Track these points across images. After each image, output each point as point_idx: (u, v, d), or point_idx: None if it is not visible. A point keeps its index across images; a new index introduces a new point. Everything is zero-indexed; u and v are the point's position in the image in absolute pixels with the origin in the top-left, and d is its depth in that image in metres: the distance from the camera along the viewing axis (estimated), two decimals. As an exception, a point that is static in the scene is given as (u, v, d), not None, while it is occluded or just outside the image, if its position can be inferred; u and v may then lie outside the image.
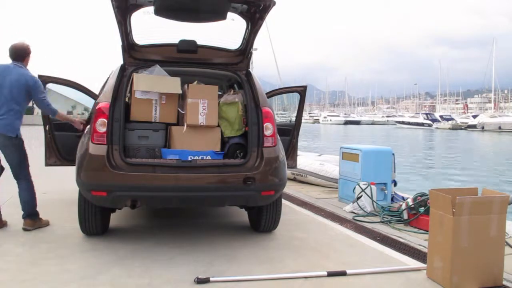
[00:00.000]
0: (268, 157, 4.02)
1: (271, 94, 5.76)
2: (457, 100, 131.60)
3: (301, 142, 7.80)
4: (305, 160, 8.27)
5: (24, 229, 4.52)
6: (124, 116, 3.99)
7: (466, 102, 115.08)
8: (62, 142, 5.19)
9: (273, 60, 41.11)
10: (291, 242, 4.34)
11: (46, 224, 4.70)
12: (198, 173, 3.88)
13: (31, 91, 4.49)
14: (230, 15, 4.28)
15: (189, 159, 3.98)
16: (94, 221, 4.18)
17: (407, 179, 12.76)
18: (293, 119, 5.77)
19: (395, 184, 6.52)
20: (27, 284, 3.17)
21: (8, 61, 4.57)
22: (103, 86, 4.63)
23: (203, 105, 4.25)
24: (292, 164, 5.54)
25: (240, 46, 4.63)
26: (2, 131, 4.42)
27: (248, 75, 4.51)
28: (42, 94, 4.55)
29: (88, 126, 4.10)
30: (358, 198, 5.71)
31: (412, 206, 5.12)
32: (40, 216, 4.69)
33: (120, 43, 4.37)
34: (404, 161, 17.74)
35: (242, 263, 3.70)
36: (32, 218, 4.58)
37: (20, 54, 4.56)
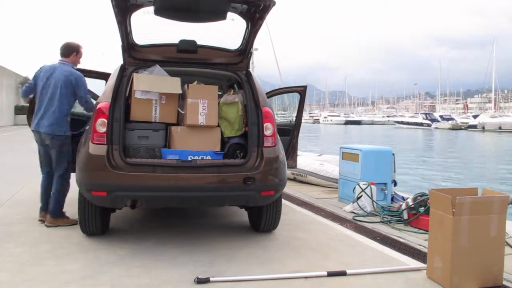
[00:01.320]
0: (268, 157, 4.01)
1: (271, 94, 5.76)
2: (457, 100, 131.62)
3: (302, 148, 7.79)
4: (305, 160, 8.27)
5: (40, 221, 4.72)
6: (124, 116, 3.99)
7: (466, 102, 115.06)
8: None
9: (273, 60, 41.10)
10: (291, 242, 4.34)
11: (72, 223, 4.64)
12: (198, 173, 3.87)
13: (75, 89, 4.58)
14: (230, 15, 4.28)
15: (189, 159, 3.98)
16: (94, 221, 4.17)
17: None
18: (293, 119, 5.77)
19: (395, 184, 6.53)
20: (27, 284, 3.16)
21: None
22: None
23: (203, 105, 4.25)
24: (292, 164, 5.54)
25: (240, 46, 4.62)
26: (47, 130, 4.50)
27: (248, 75, 4.51)
28: (86, 92, 4.62)
29: (88, 126, 4.10)
30: (358, 198, 5.71)
31: (412, 206, 5.12)
32: (67, 215, 4.72)
33: (120, 43, 4.37)
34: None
35: (242, 263, 3.70)
36: (51, 215, 4.62)
37: (66, 50, 4.69)
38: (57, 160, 4.61)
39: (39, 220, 4.76)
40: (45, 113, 4.54)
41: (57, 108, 4.53)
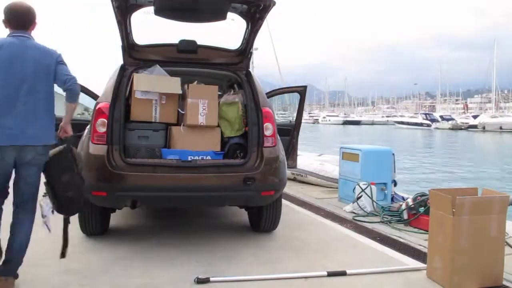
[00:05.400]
0: (268, 157, 4.02)
1: (271, 94, 5.76)
2: (457, 100, 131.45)
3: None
4: (305, 160, 8.27)
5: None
6: (124, 116, 3.99)
7: (466, 102, 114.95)
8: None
9: (274, 60, 41.09)
10: (291, 242, 4.34)
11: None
12: (198, 173, 3.88)
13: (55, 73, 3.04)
14: (230, 15, 4.29)
15: (189, 159, 3.98)
16: (94, 221, 4.17)
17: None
18: (293, 119, 5.77)
19: (395, 184, 6.52)
20: (27, 284, 3.16)
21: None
22: None
23: (203, 105, 4.25)
24: (292, 164, 5.54)
25: (240, 46, 4.63)
26: (35, 142, 2.97)
27: (248, 75, 4.51)
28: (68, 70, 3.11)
29: (88, 126, 4.10)
30: (358, 198, 5.70)
31: (412, 206, 5.12)
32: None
33: (120, 43, 4.37)
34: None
35: (242, 263, 3.70)
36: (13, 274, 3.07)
37: (28, 19, 3.03)
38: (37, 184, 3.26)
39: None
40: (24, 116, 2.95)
41: (42, 105, 3.05)
